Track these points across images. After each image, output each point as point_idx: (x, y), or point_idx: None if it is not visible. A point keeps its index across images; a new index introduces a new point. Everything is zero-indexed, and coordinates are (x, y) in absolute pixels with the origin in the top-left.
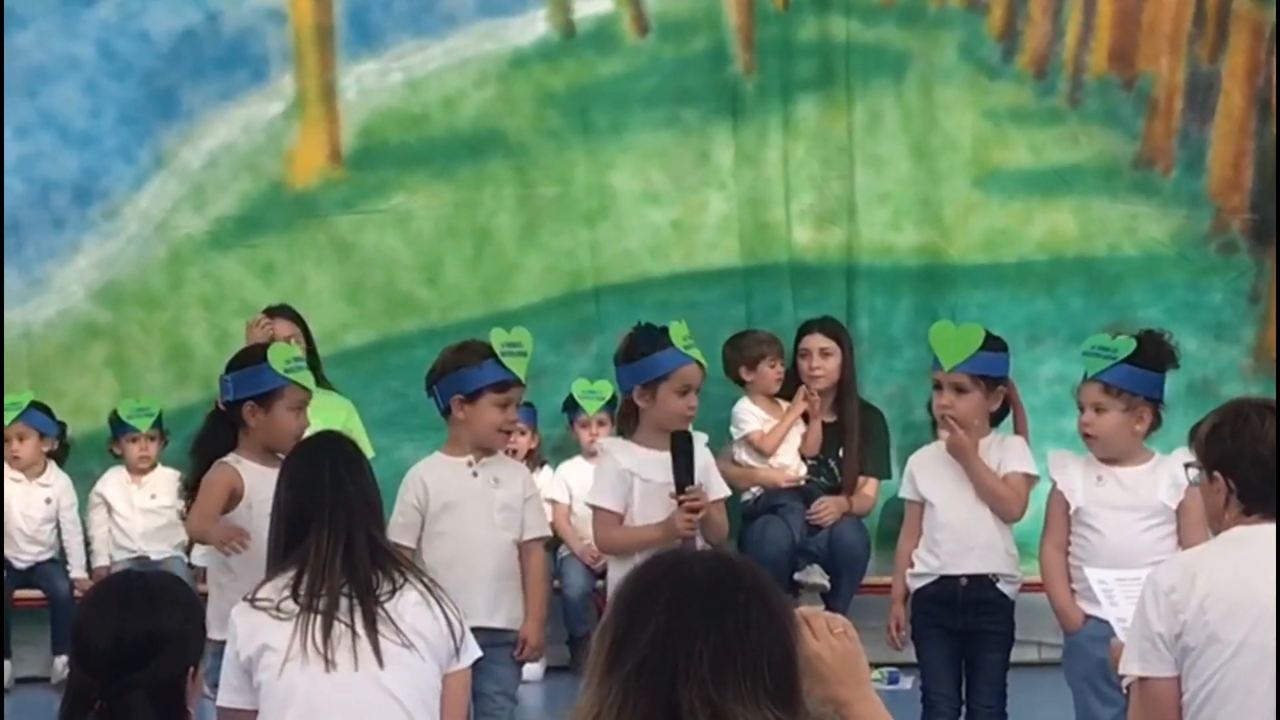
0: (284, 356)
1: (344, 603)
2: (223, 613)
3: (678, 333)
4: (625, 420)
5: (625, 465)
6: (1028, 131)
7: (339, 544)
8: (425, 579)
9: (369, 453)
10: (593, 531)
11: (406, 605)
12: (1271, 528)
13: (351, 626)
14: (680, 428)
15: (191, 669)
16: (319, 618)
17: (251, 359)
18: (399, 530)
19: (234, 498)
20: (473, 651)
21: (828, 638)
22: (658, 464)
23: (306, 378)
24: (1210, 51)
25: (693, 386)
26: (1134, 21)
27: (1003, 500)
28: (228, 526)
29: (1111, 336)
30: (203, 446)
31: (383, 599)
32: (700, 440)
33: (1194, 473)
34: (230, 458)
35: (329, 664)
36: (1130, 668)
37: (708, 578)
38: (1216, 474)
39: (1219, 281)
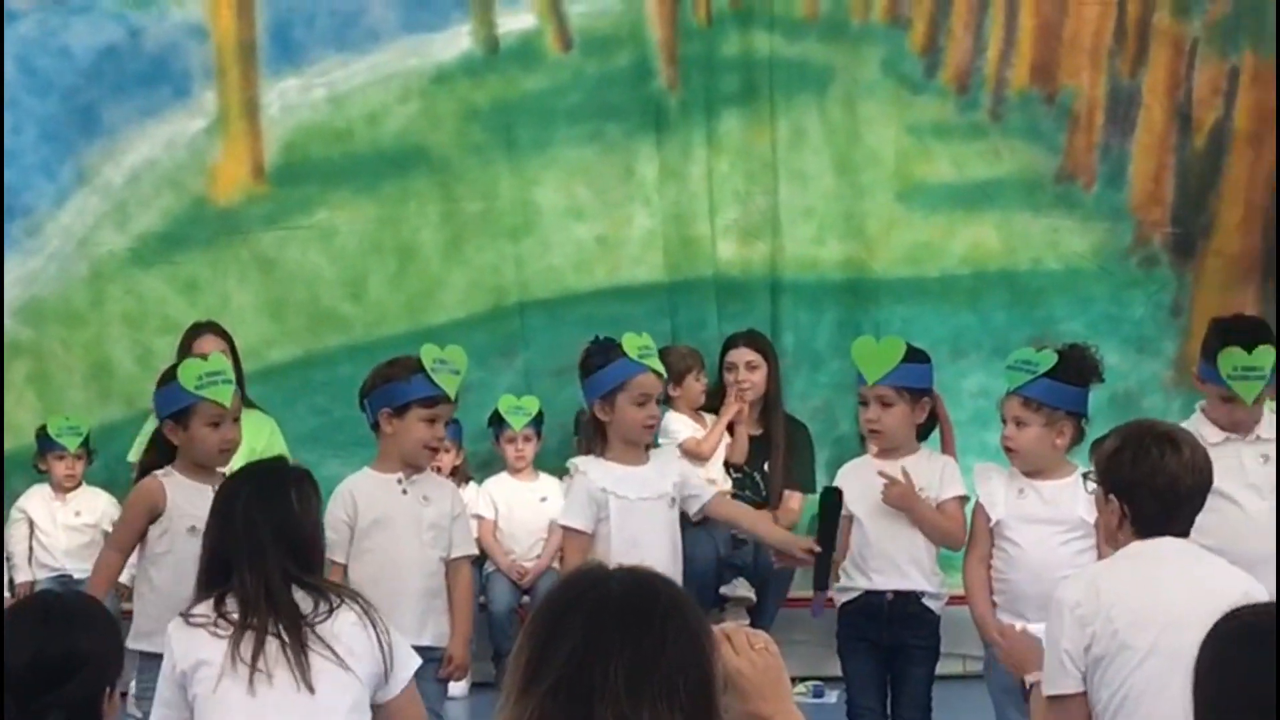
0: (195, 373)
1: (277, 624)
2: (141, 626)
3: (632, 343)
4: (594, 437)
5: (599, 483)
6: (950, 146)
7: (260, 583)
8: (361, 600)
9: None
10: (563, 553)
11: (343, 626)
12: (1170, 540)
13: (285, 645)
14: (644, 439)
15: (109, 689)
16: (253, 634)
17: (167, 377)
18: (328, 547)
19: (154, 514)
20: (408, 669)
21: (748, 653)
22: (633, 479)
23: (221, 392)
24: (1131, 66)
25: (651, 396)
26: (1055, 36)
27: (949, 535)
28: (102, 579)
29: (1036, 350)
30: (144, 462)
31: (318, 620)
32: (673, 452)
33: (1092, 486)
34: (162, 471)
35: (267, 678)
36: (1045, 687)
37: (624, 596)
38: (1113, 497)
39: (1140, 295)
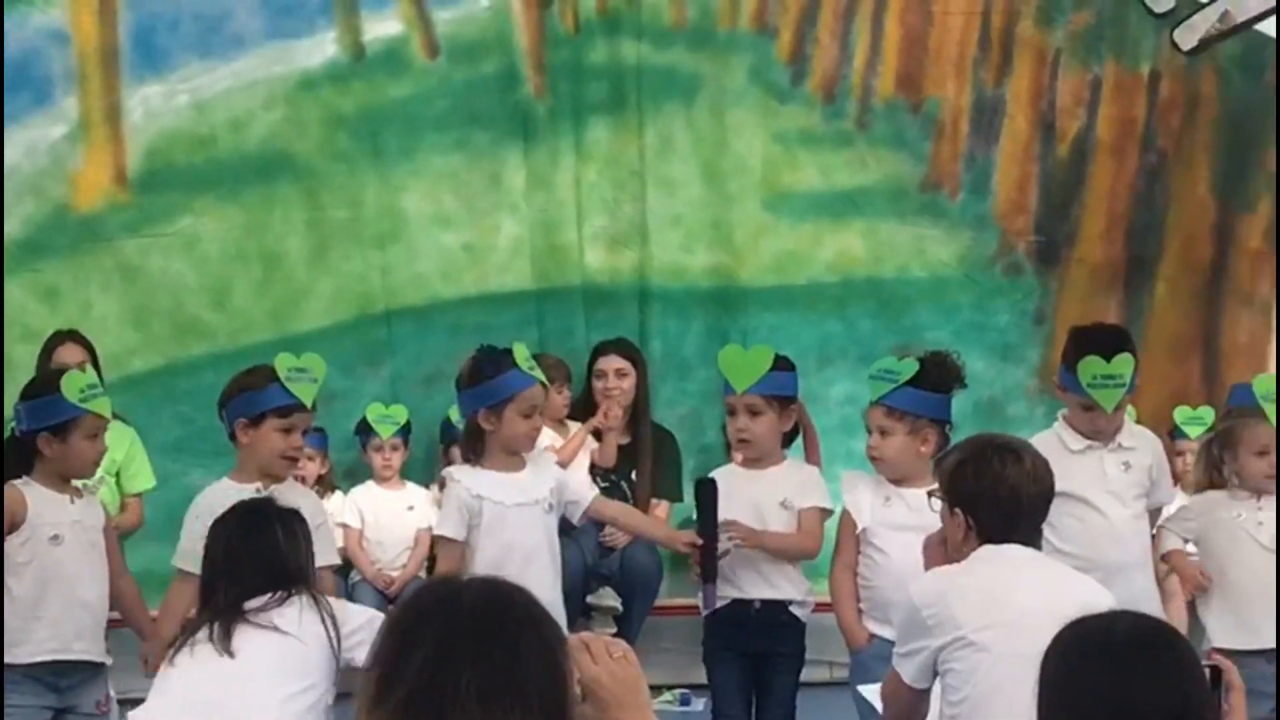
0: (78, 385)
1: (214, 617)
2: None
3: (520, 354)
4: (471, 445)
5: (474, 490)
6: (817, 154)
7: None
8: (319, 594)
9: (150, 481)
10: (438, 562)
11: (288, 607)
12: (1017, 547)
13: (214, 626)
14: (526, 449)
15: None
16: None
17: (46, 388)
18: (185, 558)
19: (14, 524)
20: (362, 647)
21: (607, 662)
22: (508, 485)
23: (103, 405)
24: (995, 76)
25: (537, 408)
26: (921, 46)
27: (803, 550)
28: None
29: (898, 359)
30: None
31: (264, 608)
32: (550, 458)
33: (937, 503)
34: (20, 480)
35: (190, 652)
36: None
37: (477, 607)
38: (958, 510)
39: (1005, 303)
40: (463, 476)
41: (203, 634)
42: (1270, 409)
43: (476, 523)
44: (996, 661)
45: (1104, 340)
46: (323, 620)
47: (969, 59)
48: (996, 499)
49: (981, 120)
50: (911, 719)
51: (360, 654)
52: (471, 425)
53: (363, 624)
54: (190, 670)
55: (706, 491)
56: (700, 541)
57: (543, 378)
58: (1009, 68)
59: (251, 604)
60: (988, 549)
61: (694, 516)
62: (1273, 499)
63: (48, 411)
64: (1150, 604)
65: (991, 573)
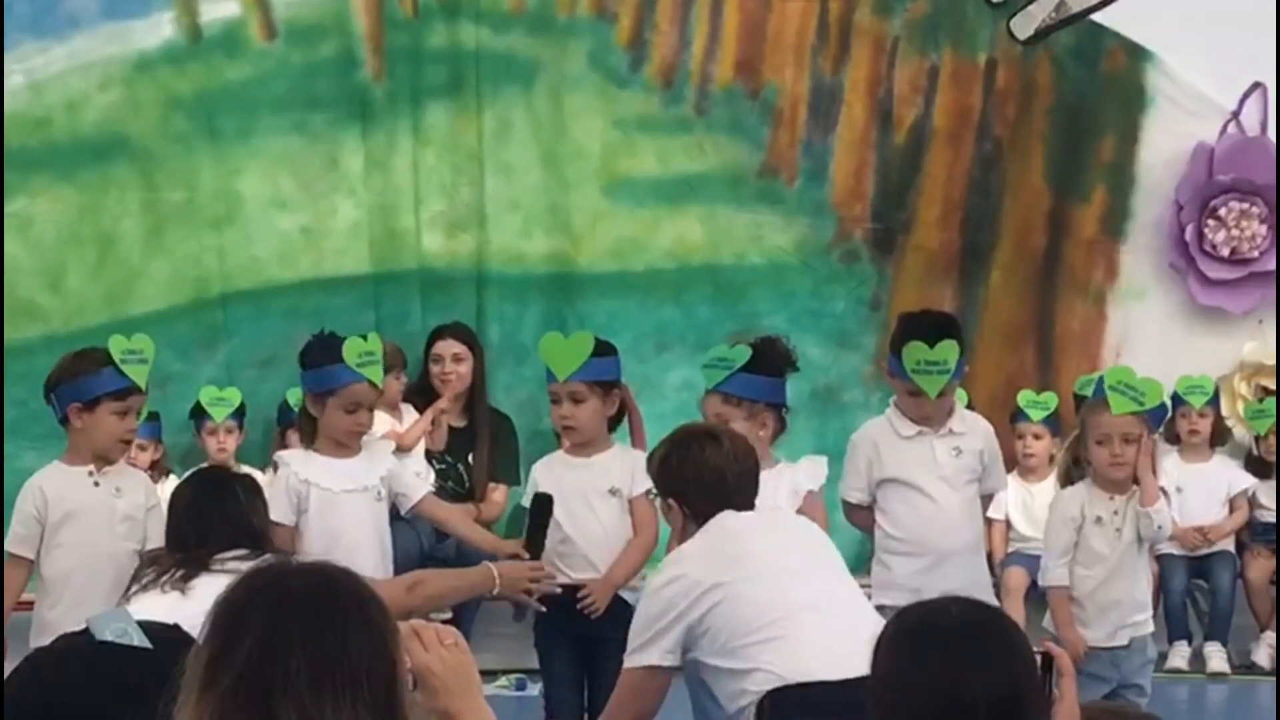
0: None
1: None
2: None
3: (354, 349)
4: (304, 428)
5: (302, 475)
6: (655, 140)
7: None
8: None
9: None
10: None
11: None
12: (729, 513)
13: (176, 570)
14: (349, 443)
15: None
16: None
17: None
18: (17, 542)
19: None
20: None
21: (438, 649)
22: (337, 471)
23: None
24: (833, 63)
25: (361, 405)
26: (759, 33)
27: (645, 554)
28: None
29: (730, 346)
30: None
31: (228, 559)
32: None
33: (656, 500)
34: None
35: (143, 590)
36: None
37: (305, 591)
38: (672, 501)
39: (841, 290)
40: (292, 461)
41: (162, 579)
42: (1116, 398)
43: (305, 508)
44: (752, 587)
45: (928, 326)
46: None
47: (807, 46)
48: (703, 483)
49: (819, 107)
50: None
51: None
52: (304, 408)
53: None
54: (141, 599)
55: (541, 506)
56: (525, 555)
57: (375, 376)
58: (847, 55)
59: (221, 557)
60: (708, 524)
61: (525, 523)
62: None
63: None
64: (982, 591)
65: (715, 535)
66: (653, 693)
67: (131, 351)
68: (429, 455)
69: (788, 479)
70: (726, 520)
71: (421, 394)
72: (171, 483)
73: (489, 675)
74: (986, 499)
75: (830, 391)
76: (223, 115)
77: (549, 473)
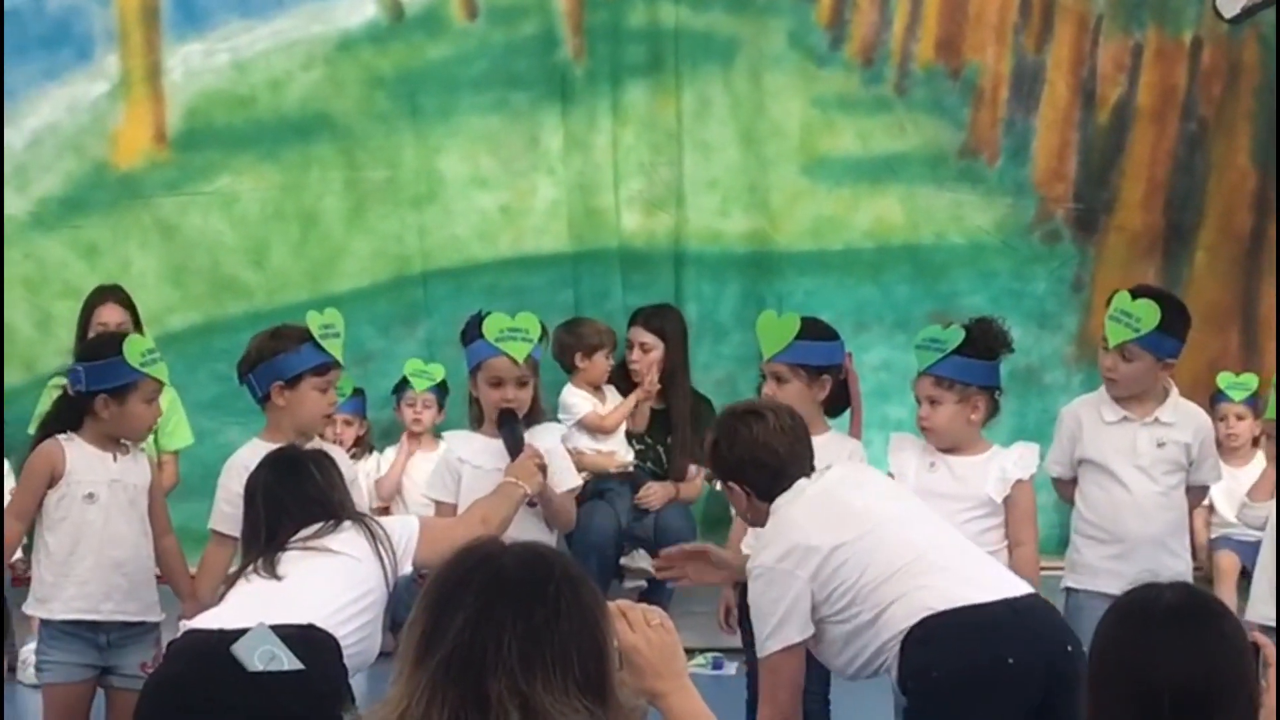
0: (139, 349)
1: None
2: (37, 591)
3: (494, 324)
4: (472, 407)
5: (457, 453)
6: (855, 119)
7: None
8: (358, 520)
9: (187, 439)
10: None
11: (339, 533)
12: (801, 480)
13: (265, 558)
14: (493, 418)
15: None
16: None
17: (106, 350)
18: (223, 520)
19: (54, 478)
20: (410, 528)
21: (644, 629)
22: (492, 450)
23: (161, 370)
24: (1036, 42)
25: (504, 379)
26: (961, 11)
27: None
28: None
29: (943, 327)
30: (45, 428)
31: (310, 538)
32: (556, 430)
33: (717, 483)
34: (64, 435)
35: (246, 580)
36: (770, 644)
37: (518, 569)
38: (732, 484)
39: (1043, 270)
40: (452, 440)
41: (249, 570)
42: None
43: (459, 485)
44: (875, 540)
45: (1143, 290)
46: (374, 538)
47: (1009, 25)
48: (758, 461)
49: (1021, 86)
50: (800, 681)
51: (408, 564)
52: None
53: (405, 535)
54: (240, 590)
55: (505, 422)
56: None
57: (515, 351)
58: (1050, 34)
59: (300, 535)
60: (782, 497)
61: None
62: None
63: (108, 374)
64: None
65: (802, 499)
66: (798, 667)
67: (328, 326)
68: (629, 436)
69: (996, 465)
70: (812, 486)
71: (623, 376)
72: (373, 459)
73: (685, 654)
74: (1199, 490)
75: (1031, 373)
76: (424, 94)
77: None
